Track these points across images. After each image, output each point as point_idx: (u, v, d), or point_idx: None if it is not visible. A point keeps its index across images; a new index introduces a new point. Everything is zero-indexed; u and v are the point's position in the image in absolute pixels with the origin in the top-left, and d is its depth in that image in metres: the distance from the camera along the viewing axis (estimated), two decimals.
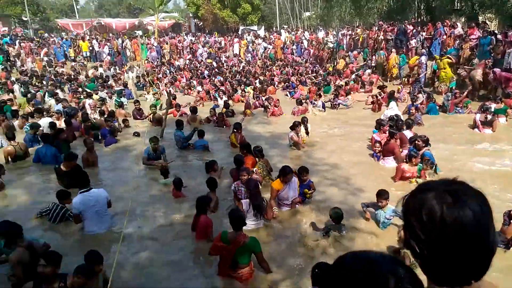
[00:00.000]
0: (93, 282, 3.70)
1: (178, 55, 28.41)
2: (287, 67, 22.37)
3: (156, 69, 23.48)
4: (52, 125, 9.85)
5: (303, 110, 13.14)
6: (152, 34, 31.89)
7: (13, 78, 18.64)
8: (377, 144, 8.31)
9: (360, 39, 21.25)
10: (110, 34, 33.23)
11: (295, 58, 24.90)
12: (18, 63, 23.31)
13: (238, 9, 38.59)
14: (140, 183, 7.31)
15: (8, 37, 27.82)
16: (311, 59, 24.40)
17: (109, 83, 18.60)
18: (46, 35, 32.98)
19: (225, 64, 25.09)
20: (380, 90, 13.90)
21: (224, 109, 13.16)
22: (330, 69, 20.93)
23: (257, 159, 7.10)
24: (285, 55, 26.53)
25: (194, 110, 12.31)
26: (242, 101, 15.16)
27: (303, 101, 13.63)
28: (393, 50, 17.81)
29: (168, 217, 6.02)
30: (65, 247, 4.96)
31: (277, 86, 18.66)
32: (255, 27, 37.51)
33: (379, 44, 19.30)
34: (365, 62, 19.59)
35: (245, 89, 16.73)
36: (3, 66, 21.90)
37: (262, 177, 6.85)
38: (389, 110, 11.21)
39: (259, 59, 27.41)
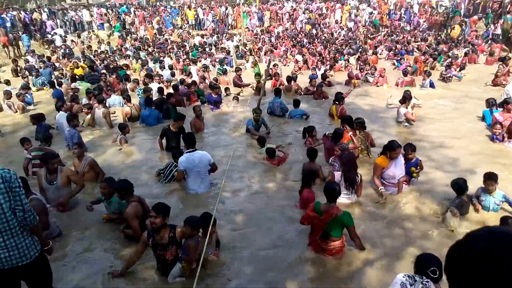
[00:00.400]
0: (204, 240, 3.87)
1: (277, 23, 28.21)
2: (394, 35, 20.76)
3: (256, 37, 23.64)
4: (160, 89, 10.56)
5: (408, 82, 12.12)
6: (253, 1, 32.00)
7: (127, 45, 20.43)
8: (498, 126, 7.32)
9: (482, 3, 18.66)
10: (212, 2, 34.18)
11: (403, 25, 22.96)
12: (133, 31, 25.42)
13: None
14: (238, 149, 7.53)
15: (125, 5, 30.38)
16: (423, 26, 22.26)
17: (211, 51, 19.29)
18: (158, 3, 35.24)
19: (325, 31, 24.23)
20: (501, 63, 12.17)
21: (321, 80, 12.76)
22: (443, 36, 18.89)
23: (357, 131, 6.80)
24: (392, 21, 24.61)
25: (289, 79, 12.14)
26: (343, 71, 14.60)
27: (409, 75, 12.54)
28: None
29: (263, 184, 6.16)
30: (170, 203, 5.37)
31: (380, 54, 17.53)
32: None
33: (505, 7, 16.73)
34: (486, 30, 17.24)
35: (348, 60, 16.05)
36: (119, 34, 24.15)
37: (358, 151, 6.58)
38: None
39: (363, 26, 25.89)
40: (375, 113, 9.73)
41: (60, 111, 9.00)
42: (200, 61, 16.12)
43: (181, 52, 18.46)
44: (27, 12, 23.46)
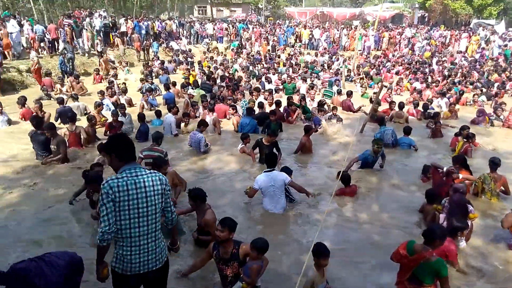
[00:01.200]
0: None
1: (394, 48, 27.04)
2: None
3: (368, 61, 22.87)
4: (260, 105, 10.84)
5: None
6: (371, 25, 31.20)
7: (240, 60, 21.34)
8: None
9: None
10: (327, 23, 34.20)
11: None
12: (248, 46, 26.61)
13: (475, 0, 33.63)
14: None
15: (244, 23, 32.09)
16: None
17: (320, 72, 19.06)
18: (277, 21, 36.53)
19: (445, 60, 22.41)
20: None
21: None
22: None
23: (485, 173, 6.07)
24: None
25: (402, 106, 11.41)
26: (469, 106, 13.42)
27: None
28: None
29: (356, 213, 5.85)
30: (242, 219, 5.40)
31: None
32: (492, 21, 32.08)
33: None
34: None
35: (479, 95, 14.58)
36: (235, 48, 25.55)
37: (479, 191, 5.91)
38: None
39: (491, 59, 23.35)
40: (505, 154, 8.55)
41: (169, 113, 9.79)
42: (309, 80, 16.11)
43: (290, 70, 18.62)
44: (160, 22, 26.21)
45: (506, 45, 24.04)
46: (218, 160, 8.06)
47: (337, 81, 15.86)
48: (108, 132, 9.07)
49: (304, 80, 15.58)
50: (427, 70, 19.62)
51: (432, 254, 3.73)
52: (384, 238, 5.17)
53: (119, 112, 9.41)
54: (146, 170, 2.88)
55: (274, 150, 7.30)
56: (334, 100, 13.17)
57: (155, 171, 2.95)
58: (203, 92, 12.64)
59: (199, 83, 14.52)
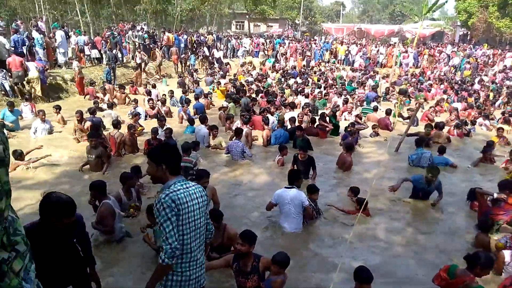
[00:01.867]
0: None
1: (434, 65, 26.35)
2: None
3: (405, 79, 22.33)
4: (292, 119, 10.84)
5: None
6: (410, 42, 30.62)
7: (274, 75, 21.43)
8: None
9: None
10: (363, 40, 33.86)
11: None
12: (282, 61, 26.73)
13: None
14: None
15: (281, 38, 32.38)
16: None
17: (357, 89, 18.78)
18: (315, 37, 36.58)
19: (486, 80, 21.55)
20: None
21: None
22: None
23: None
24: None
25: (441, 126, 11.03)
26: None
27: None
28: None
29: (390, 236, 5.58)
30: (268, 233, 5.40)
31: None
32: None
33: None
34: None
35: None
36: (272, 63, 25.76)
37: None
38: None
39: None
40: None
41: (202, 124, 9.96)
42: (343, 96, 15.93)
43: (322, 87, 18.41)
44: (199, 35, 26.89)
45: None
46: (249, 173, 8.08)
47: (377, 97, 15.47)
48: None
49: (340, 95, 15.43)
50: (470, 88, 18.93)
51: (473, 280, 3.68)
52: (420, 262, 4.96)
53: (158, 128, 9.19)
54: (191, 182, 2.83)
55: (304, 167, 7.21)
56: (371, 117, 12.91)
57: (196, 183, 2.90)
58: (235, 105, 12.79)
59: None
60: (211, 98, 15.04)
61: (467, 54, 26.92)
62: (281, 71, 22.49)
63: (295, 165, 7.69)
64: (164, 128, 9.44)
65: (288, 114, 11.86)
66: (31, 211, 5.76)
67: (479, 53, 27.43)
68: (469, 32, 37.91)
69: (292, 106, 12.84)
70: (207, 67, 23.08)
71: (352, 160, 8.41)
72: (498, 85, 20.32)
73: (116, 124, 8.94)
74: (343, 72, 22.97)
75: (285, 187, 5.71)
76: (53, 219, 2.65)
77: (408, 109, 13.63)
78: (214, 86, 17.28)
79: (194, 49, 24.53)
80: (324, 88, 17.73)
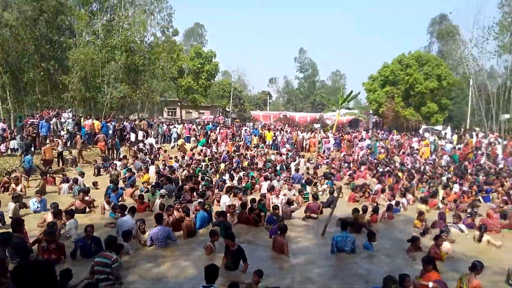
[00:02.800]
0: None
1: (351, 150, 28.58)
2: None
3: (326, 162, 23.81)
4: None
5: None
6: (330, 128, 33.35)
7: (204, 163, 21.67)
8: None
9: None
10: (286, 126, 36.23)
11: (490, 165, 21.78)
12: (214, 146, 27.35)
13: (423, 108, 37.28)
14: None
15: (211, 124, 33.50)
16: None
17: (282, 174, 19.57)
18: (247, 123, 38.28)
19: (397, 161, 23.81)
20: None
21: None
22: None
23: None
24: (478, 158, 23.58)
25: (364, 209, 11.51)
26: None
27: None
28: None
29: None
30: None
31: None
32: (439, 127, 35.21)
33: None
34: None
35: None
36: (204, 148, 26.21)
37: None
38: None
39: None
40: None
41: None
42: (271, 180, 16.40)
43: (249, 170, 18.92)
44: (130, 122, 26.76)
45: (454, 148, 26.05)
46: (176, 266, 7.65)
47: (301, 179, 16.17)
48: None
49: (266, 179, 15.88)
50: (387, 170, 20.58)
51: None
52: None
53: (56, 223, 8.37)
54: None
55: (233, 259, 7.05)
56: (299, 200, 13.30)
57: None
58: (160, 193, 12.46)
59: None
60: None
61: (380, 138, 29.81)
62: (210, 155, 22.90)
63: (225, 255, 7.48)
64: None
65: (223, 198, 11.93)
66: None
67: (391, 138, 30.48)
68: (380, 119, 42.42)
69: (228, 190, 12.98)
70: (135, 153, 22.70)
71: (287, 244, 8.44)
72: (409, 166, 22.42)
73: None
74: (272, 156, 23.96)
75: (203, 286, 5.40)
76: None
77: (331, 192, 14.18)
78: (140, 173, 16.88)
79: (122, 136, 24.23)
80: (253, 171, 18.25)
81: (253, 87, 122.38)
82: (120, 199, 12.70)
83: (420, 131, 34.51)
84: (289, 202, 12.28)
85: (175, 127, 29.54)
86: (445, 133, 31.84)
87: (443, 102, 38.13)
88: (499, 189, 16.36)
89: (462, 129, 35.25)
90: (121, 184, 14.43)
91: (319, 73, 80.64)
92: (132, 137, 24.32)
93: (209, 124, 32.83)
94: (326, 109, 50.91)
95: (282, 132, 30.43)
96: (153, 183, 14.41)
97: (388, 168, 21.17)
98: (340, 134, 30.22)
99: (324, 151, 27.27)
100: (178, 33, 42.09)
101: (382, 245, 9.54)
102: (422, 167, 22.22)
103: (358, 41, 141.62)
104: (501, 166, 22.30)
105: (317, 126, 35.10)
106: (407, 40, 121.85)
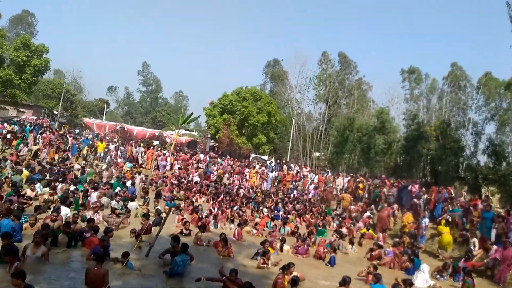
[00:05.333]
0: None
1: (186, 170, 29.13)
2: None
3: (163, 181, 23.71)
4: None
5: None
6: (168, 147, 33.34)
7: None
8: None
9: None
10: (119, 139, 34.84)
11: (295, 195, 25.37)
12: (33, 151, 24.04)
13: (254, 138, 40.85)
14: None
15: (33, 125, 29.46)
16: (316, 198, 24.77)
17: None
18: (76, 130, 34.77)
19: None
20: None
21: None
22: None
23: None
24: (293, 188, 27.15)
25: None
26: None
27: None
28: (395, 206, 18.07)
29: None
30: None
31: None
32: (266, 157, 39.14)
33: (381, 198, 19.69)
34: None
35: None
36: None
37: None
38: None
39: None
40: None
41: None
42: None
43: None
44: None
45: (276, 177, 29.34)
46: None
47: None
48: None
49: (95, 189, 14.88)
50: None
51: None
52: None
53: None
54: None
55: None
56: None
57: None
58: None
59: None
60: None
61: (217, 162, 31.36)
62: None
63: None
64: None
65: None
66: None
67: (225, 163, 32.25)
68: (217, 144, 44.59)
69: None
70: None
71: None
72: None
73: None
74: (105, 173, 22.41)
75: None
76: None
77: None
78: None
79: None
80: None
81: (89, 92, 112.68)
82: None
83: (250, 158, 37.64)
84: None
85: None
86: (271, 162, 35.59)
87: (271, 136, 42.61)
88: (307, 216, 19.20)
89: (284, 161, 40.12)
90: None
91: (163, 90, 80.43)
92: None
93: (28, 126, 28.74)
94: (166, 127, 50.78)
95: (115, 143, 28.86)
96: None
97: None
98: (178, 153, 30.50)
99: (159, 169, 27.05)
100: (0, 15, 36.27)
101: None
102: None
103: (204, 68, 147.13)
104: (310, 196, 26.10)
105: (156, 142, 34.68)
106: (247, 75, 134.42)
